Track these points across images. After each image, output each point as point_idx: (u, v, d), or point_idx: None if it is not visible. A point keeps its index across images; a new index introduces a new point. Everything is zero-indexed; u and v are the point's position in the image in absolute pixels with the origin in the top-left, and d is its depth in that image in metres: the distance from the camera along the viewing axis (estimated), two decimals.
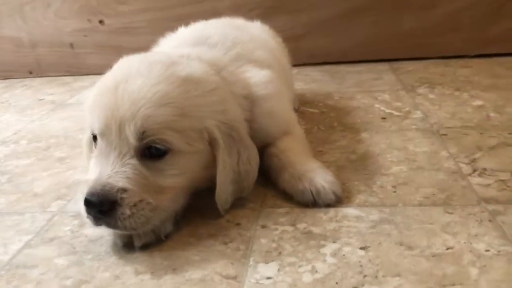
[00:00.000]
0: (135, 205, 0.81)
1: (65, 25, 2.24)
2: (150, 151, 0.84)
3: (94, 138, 0.90)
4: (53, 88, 2.10)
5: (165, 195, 0.86)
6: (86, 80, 2.20)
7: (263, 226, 0.90)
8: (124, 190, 0.81)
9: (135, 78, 0.86)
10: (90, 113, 0.89)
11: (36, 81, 2.24)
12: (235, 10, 2.10)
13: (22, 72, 2.34)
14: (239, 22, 1.40)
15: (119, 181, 0.81)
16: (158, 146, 0.84)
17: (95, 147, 0.90)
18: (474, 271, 0.73)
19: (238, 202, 0.96)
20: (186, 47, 1.06)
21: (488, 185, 0.98)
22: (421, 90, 1.66)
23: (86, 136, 0.99)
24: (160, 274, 0.79)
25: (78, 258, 0.85)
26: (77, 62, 2.30)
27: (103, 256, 0.85)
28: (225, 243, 0.86)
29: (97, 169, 0.85)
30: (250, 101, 1.00)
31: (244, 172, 0.93)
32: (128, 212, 0.80)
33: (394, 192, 0.98)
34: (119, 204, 0.80)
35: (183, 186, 0.89)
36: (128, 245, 0.86)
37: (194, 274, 0.78)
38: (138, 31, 2.20)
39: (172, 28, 2.13)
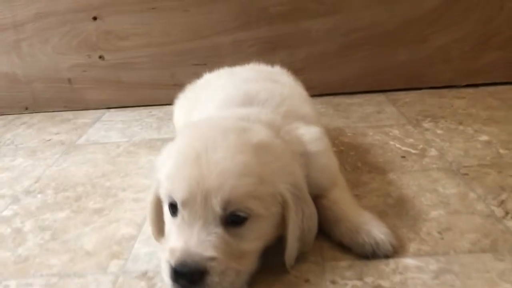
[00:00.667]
0: (222, 272, 0.84)
1: (63, 61, 2.21)
2: (231, 219, 0.88)
3: (171, 206, 0.93)
4: (57, 127, 2.07)
5: (246, 259, 0.90)
6: (86, 115, 2.18)
7: (333, 282, 0.95)
8: (212, 259, 0.84)
9: (215, 148, 0.89)
10: (170, 182, 0.91)
11: (35, 118, 2.21)
12: (235, 46, 2.17)
13: (17, 108, 2.29)
14: (266, 69, 1.45)
15: (207, 251, 0.84)
16: (240, 214, 0.88)
17: (171, 215, 0.93)
18: None
19: (299, 255, 1.01)
20: (236, 107, 1.09)
21: None
22: (426, 125, 1.76)
23: (151, 198, 1.01)
24: None
25: None
26: (75, 97, 2.28)
27: None
28: None
29: (180, 238, 0.87)
30: (305, 157, 1.05)
31: (307, 228, 0.98)
32: (217, 279, 0.84)
33: (442, 239, 1.06)
34: (208, 273, 0.83)
35: (260, 249, 0.93)
36: None
37: None
38: (139, 66, 2.21)
39: (174, 65, 2.17)
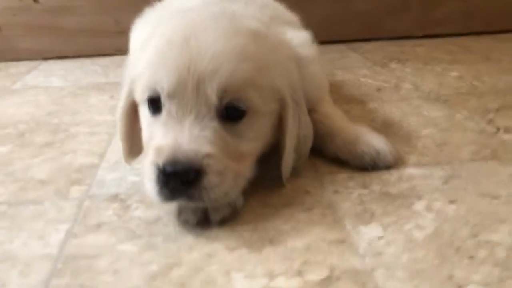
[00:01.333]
0: (220, 172, 0.71)
1: None
2: (227, 113, 0.75)
3: (152, 101, 0.78)
4: None
5: (244, 162, 0.77)
6: (21, 66, 1.94)
7: (335, 192, 0.85)
8: (209, 156, 0.70)
9: (206, 31, 0.75)
10: (152, 71, 0.76)
11: None
12: None
13: None
14: None
15: (202, 147, 0.70)
16: (239, 105, 0.75)
17: (151, 114, 0.78)
18: None
19: (294, 170, 0.89)
20: (219, 3, 0.95)
21: None
22: (393, 66, 1.71)
23: (122, 105, 0.86)
24: (258, 247, 0.70)
25: (147, 241, 0.73)
26: (4, 45, 2.01)
27: (177, 237, 0.74)
28: (307, 210, 0.79)
29: (168, 136, 0.73)
30: (295, 63, 0.94)
31: (303, 138, 0.87)
32: (215, 180, 0.70)
33: (441, 151, 0.99)
34: (205, 171, 0.69)
35: (258, 152, 0.80)
36: (201, 222, 0.76)
37: (296, 243, 0.71)
38: (79, 11, 1.99)
39: (119, 9, 1.97)
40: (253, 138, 0.78)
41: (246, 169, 0.78)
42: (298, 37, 0.96)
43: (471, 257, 0.66)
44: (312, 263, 0.66)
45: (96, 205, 0.84)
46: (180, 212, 0.77)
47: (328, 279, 0.63)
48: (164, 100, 0.75)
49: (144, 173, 0.74)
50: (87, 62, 1.96)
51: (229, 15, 0.81)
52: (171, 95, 0.73)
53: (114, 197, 0.87)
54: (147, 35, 0.86)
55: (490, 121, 1.14)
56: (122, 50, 2.01)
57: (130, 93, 0.84)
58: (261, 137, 0.79)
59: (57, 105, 1.41)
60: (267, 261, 0.67)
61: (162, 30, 0.80)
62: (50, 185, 0.92)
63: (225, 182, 0.71)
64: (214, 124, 0.73)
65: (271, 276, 0.64)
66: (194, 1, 0.98)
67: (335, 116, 0.99)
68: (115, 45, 2.03)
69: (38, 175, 0.97)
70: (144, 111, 0.82)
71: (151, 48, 0.79)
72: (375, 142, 0.92)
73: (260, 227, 0.75)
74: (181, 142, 0.71)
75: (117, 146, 1.06)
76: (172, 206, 0.79)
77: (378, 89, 1.43)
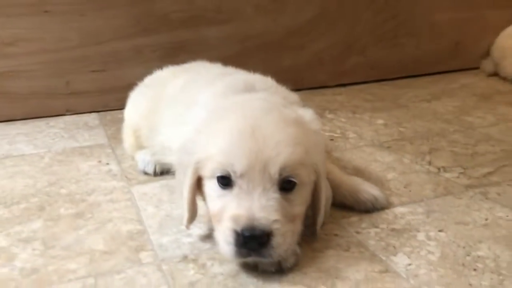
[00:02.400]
0: (283, 234, 0.93)
1: None
2: (284, 185, 0.97)
3: (222, 179, 0.98)
4: None
5: (296, 221, 0.99)
6: None
7: (357, 232, 1.12)
8: (276, 221, 0.92)
9: (266, 124, 0.98)
10: (226, 156, 0.96)
11: None
12: (136, 52, 2.16)
13: None
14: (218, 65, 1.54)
15: (271, 214, 0.92)
16: (292, 179, 0.97)
17: (221, 188, 0.98)
18: None
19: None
20: (240, 94, 1.17)
21: (457, 177, 1.40)
22: (329, 116, 2.05)
23: (190, 183, 1.03)
24: (331, 283, 0.93)
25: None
26: None
27: (265, 284, 0.94)
28: (347, 250, 1.05)
29: (241, 206, 0.93)
30: None
31: (328, 199, 1.12)
32: (280, 240, 0.92)
33: (410, 191, 1.31)
34: (273, 234, 0.91)
35: (304, 213, 1.03)
36: (277, 270, 0.97)
37: (356, 276, 0.95)
38: (29, 75, 2.02)
39: (72, 70, 2.04)
40: (301, 203, 1.01)
41: (298, 227, 1.00)
42: (307, 114, 1.20)
43: (475, 269, 0.97)
44: None
45: (175, 267, 1.00)
46: (257, 265, 0.97)
47: None
48: (235, 178, 0.96)
49: (220, 237, 0.95)
50: (41, 125, 1.99)
51: (276, 107, 1.05)
52: (243, 175, 0.95)
53: (185, 258, 1.03)
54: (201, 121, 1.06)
55: (429, 163, 1.50)
56: (72, 110, 2.10)
57: (196, 171, 1.02)
58: (305, 202, 1.03)
59: (50, 174, 1.48)
60: None
61: (230, 122, 1.00)
62: (116, 254, 1.05)
63: (286, 241, 0.94)
64: (276, 195, 0.95)
65: None
66: (202, 73, 1.20)
67: (336, 172, 1.26)
68: (67, 105, 2.10)
69: (97, 247, 1.08)
70: (212, 185, 1.01)
71: (222, 137, 0.98)
72: (372, 191, 1.21)
73: (322, 268, 0.98)
74: (254, 211, 0.92)
75: (150, 211, 1.22)
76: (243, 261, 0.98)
77: (331, 139, 1.74)
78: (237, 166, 0.95)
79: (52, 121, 2.04)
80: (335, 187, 1.21)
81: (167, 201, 1.29)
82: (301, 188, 1.00)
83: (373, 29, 2.57)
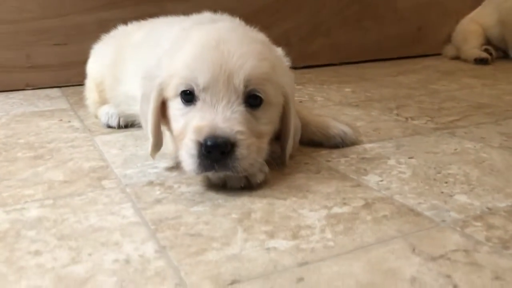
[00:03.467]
0: (248, 146, 0.89)
1: None
2: (249, 101, 0.94)
3: (185, 94, 0.94)
4: None
5: (262, 139, 0.96)
6: None
7: (327, 161, 1.10)
8: (240, 132, 0.89)
9: (230, 39, 0.95)
10: (189, 70, 0.93)
11: None
12: (101, 26, 2.10)
13: None
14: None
15: (235, 125, 0.89)
16: (258, 94, 0.95)
17: (184, 104, 0.95)
18: None
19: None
20: (209, 23, 1.15)
21: (425, 123, 1.41)
22: (298, 87, 2.04)
23: (153, 106, 0.99)
24: (303, 195, 0.91)
25: (212, 203, 0.88)
26: None
27: (235, 198, 0.90)
28: (317, 173, 1.02)
29: (205, 118, 0.90)
30: None
31: (296, 129, 1.09)
32: (245, 152, 0.88)
33: (379, 133, 1.31)
34: (237, 145, 0.88)
35: (271, 134, 1.01)
36: (245, 187, 0.93)
37: (327, 189, 0.93)
38: None
39: (32, 43, 1.98)
40: (268, 122, 0.98)
41: (265, 145, 0.97)
42: (278, 50, 1.19)
43: (446, 182, 0.96)
44: (348, 198, 0.89)
45: (140, 189, 0.95)
46: (225, 182, 0.93)
47: (367, 204, 0.86)
48: (198, 93, 0.93)
49: (184, 151, 0.91)
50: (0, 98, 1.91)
51: (242, 27, 1.03)
52: (206, 88, 0.92)
53: (151, 183, 0.99)
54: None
55: (397, 115, 1.51)
56: (32, 84, 2.03)
57: (160, 93, 0.99)
58: (273, 122, 1.00)
59: (8, 130, 1.41)
60: (316, 202, 0.88)
61: (194, 38, 0.98)
62: (77, 183, 0.99)
63: (251, 154, 0.90)
64: (241, 108, 0.92)
65: (328, 208, 0.85)
66: (186, 23, 1.17)
67: (304, 111, 1.24)
68: (25, 80, 2.03)
69: (56, 178, 1.02)
70: (176, 105, 0.97)
71: (187, 51, 0.96)
72: (341, 126, 1.20)
73: (292, 185, 0.96)
74: (217, 122, 0.89)
75: (114, 152, 1.17)
76: (211, 182, 0.95)
77: (300, 101, 1.73)
78: (200, 79, 0.92)
79: (12, 93, 1.97)
80: (304, 125, 1.19)
81: (132, 145, 1.25)
82: (268, 106, 0.98)
83: (338, 12, 2.61)
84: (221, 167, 0.88)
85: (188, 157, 0.89)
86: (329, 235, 0.76)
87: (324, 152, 1.15)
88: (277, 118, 1.02)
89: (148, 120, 1.01)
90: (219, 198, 0.90)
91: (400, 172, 1.02)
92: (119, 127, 1.39)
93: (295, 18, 2.50)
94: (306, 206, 0.86)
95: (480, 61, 2.54)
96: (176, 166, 1.02)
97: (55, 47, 2.05)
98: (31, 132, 1.38)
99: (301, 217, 0.82)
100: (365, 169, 1.04)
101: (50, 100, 1.84)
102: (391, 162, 1.08)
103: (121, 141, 1.28)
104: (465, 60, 2.64)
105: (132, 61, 1.31)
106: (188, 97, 0.94)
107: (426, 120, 1.43)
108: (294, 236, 0.75)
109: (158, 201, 0.90)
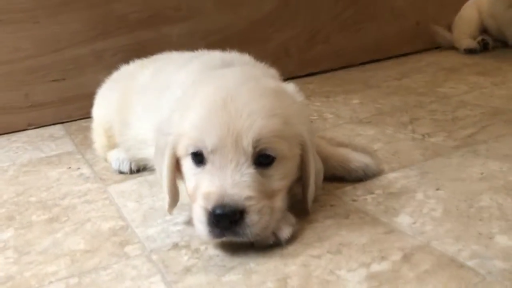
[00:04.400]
0: (259, 210, 0.86)
1: None
2: (260, 160, 0.90)
3: (195, 156, 0.91)
4: None
5: (276, 197, 0.92)
6: None
7: (353, 200, 1.06)
8: (249, 198, 0.85)
9: (239, 95, 0.91)
10: (198, 132, 0.90)
11: None
12: (98, 57, 2.07)
13: None
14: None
15: (244, 190, 0.86)
16: (269, 153, 0.90)
17: (195, 164, 0.92)
18: None
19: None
20: (220, 68, 1.11)
21: (443, 140, 1.37)
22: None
23: (168, 163, 0.96)
24: (337, 250, 0.87)
25: (244, 269, 0.85)
26: None
27: (266, 260, 0.87)
28: (347, 217, 0.99)
29: (214, 183, 0.87)
30: None
31: (318, 171, 1.05)
32: (256, 218, 0.85)
33: (399, 158, 1.27)
34: (247, 212, 0.85)
35: (287, 188, 0.96)
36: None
37: (361, 240, 0.90)
38: None
39: (29, 81, 1.94)
40: (282, 178, 0.93)
41: (279, 203, 0.92)
42: (290, 86, 1.14)
43: (481, 219, 0.92)
44: (385, 250, 0.86)
45: (166, 255, 0.92)
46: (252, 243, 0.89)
47: (406, 257, 0.83)
48: (207, 155, 0.89)
49: (194, 216, 0.89)
50: (1, 141, 1.87)
51: (253, 78, 0.99)
52: (215, 150, 0.88)
53: (176, 246, 0.95)
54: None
55: (413, 131, 1.47)
56: (34, 123, 1.98)
57: (173, 151, 0.95)
58: (288, 175, 0.95)
59: (17, 185, 1.37)
60: (353, 258, 0.84)
61: (202, 96, 0.94)
62: (99, 252, 0.96)
63: (263, 218, 0.86)
64: (251, 170, 0.88)
65: (366, 265, 0.82)
66: (197, 67, 1.13)
67: (321, 143, 1.20)
68: (27, 120, 1.99)
69: (77, 246, 0.99)
70: (188, 164, 0.94)
71: (195, 112, 0.92)
72: (362, 158, 1.17)
73: (323, 237, 0.92)
74: (226, 187, 0.86)
75: (131, 207, 1.14)
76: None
77: (310, 121, 1.69)
78: (208, 142, 0.89)
79: (14, 136, 1.92)
80: (323, 160, 1.15)
81: (149, 195, 1.21)
82: (282, 162, 0.93)
83: (334, 16, 2.56)
84: (231, 235, 0.86)
85: (198, 223, 0.88)
86: None
87: (347, 188, 1.12)
88: (294, 170, 0.97)
89: (163, 176, 0.98)
90: (250, 261, 0.87)
91: (431, 209, 0.98)
92: (131, 172, 1.35)
93: (292, 27, 2.46)
94: (343, 265, 0.82)
95: (469, 51, 2.54)
96: None
97: (53, 83, 2.01)
98: (41, 186, 1.35)
99: (340, 281, 0.79)
100: (394, 208, 1.00)
101: (55, 141, 1.80)
102: (419, 196, 1.04)
103: (135, 190, 1.25)
104: (457, 49, 2.62)
105: (139, 105, 1.27)
106: (198, 158, 0.92)
107: (444, 136, 1.40)
108: None
109: (188, 269, 0.87)
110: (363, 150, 1.29)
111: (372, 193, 1.09)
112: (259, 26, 2.37)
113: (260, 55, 2.31)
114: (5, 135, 1.94)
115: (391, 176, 1.16)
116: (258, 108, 0.90)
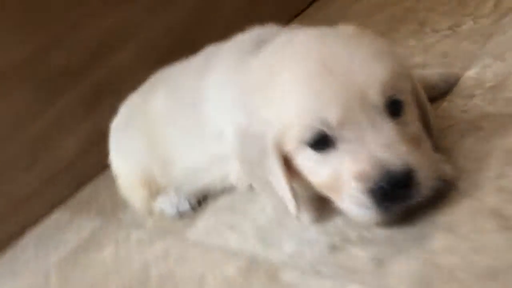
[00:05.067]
0: (422, 163, 0.72)
1: None
2: (391, 108, 0.75)
3: (316, 143, 0.75)
4: None
5: (422, 142, 0.78)
6: None
7: (463, 111, 0.94)
8: (407, 153, 0.71)
9: (332, 48, 0.76)
10: (307, 113, 0.73)
11: None
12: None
13: None
14: None
15: (398, 149, 0.71)
16: (398, 98, 0.76)
17: (318, 152, 0.76)
18: None
19: None
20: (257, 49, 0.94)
21: (474, 23, 1.28)
22: None
23: (279, 169, 0.79)
24: None
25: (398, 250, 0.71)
26: None
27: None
28: (479, 127, 0.87)
29: (359, 159, 0.72)
30: None
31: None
32: (425, 172, 0.71)
33: (455, 56, 1.17)
34: (413, 170, 0.70)
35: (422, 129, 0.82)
36: None
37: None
38: None
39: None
40: (416, 119, 0.80)
41: (428, 147, 0.79)
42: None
43: None
44: None
45: (340, 261, 0.76)
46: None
47: None
48: (333, 132, 0.73)
49: (351, 205, 0.73)
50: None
51: (327, 31, 0.83)
52: (341, 123, 0.72)
53: (334, 247, 0.80)
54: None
55: (435, 31, 1.37)
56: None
57: (279, 149, 0.79)
58: (418, 115, 0.81)
59: None
60: None
61: (288, 71, 0.77)
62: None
63: (430, 168, 0.73)
64: (390, 124, 0.73)
65: None
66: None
67: None
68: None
69: None
70: (306, 156, 0.78)
71: (288, 92, 0.76)
72: (430, 71, 1.05)
73: (480, 155, 0.80)
74: (378, 156, 0.70)
75: (233, 241, 0.96)
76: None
77: None
78: (329, 117, 0.72)
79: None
80: None
81: (238, 219, 1.03)
82: (409, 103, 0.79)
83: None
84: (405, 201, 0.72)
85: (362, 210, 0.72)
86: None
87: (444, 105, 1.00)
88: (416, 108, 0.83)
89: (280, 185, 0.81)
90: (435, 219, 0.73)
91: None
92: (193, 208, 1.16)
93: None
94: None
95: None
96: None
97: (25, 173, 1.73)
98: (105, 273, 1.13)
99: None
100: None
101: (68, 225, 1.56)
102: None
103: (220, 221, 1.06)
104: None
105: (173, 133, 1.09)
106: (321, 143, 0.75)
107: (470, 20, 1.30)
108: None
109: (380, 261, 0.71)
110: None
111: (473, 96, 0.97)
112: None
113: None
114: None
115: (472, 73, 1.05)
116: (365, 52, 0.75)
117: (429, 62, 1.20)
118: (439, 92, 1.03)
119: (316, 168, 0.78)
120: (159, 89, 1.15)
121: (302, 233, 0.86)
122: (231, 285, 0.85)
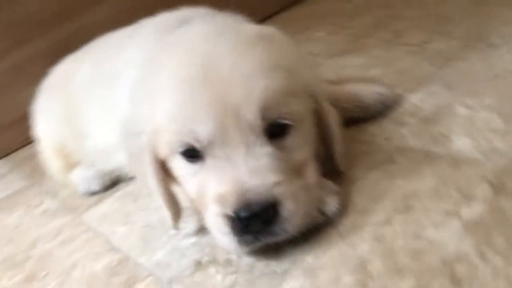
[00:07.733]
0: (294, 195, 0.64)
1: None
2: (272, 131, 0.67)
3: (187, 153, 0.68)
4: None
5: (306, 171, 0.70)
6: None
7: (387, 138, 0.87)
8: (277, 183, 0.63)
9: (219, 54, 0.67)
10: (180, 124, 0.66)
11: None
12: (16, 70, 1.75)
13: None
14: None
15: (268, 176, 0.63)
16: (283, 120, 0.67)
17: (189, 163, 0.70)
18: None
19: None
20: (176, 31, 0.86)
21: (446, 42, 1.19)
22: None
23: (152, 172, 0.73)
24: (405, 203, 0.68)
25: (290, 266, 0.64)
26: None
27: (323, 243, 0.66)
28: (393, 163, 0.79)
29: (225, 179, 0.64)
30: None
31: (336, 121, 0.83)
32: (293, 206, 0.63)
33: (408, 76, 1.08)
34: (280, 202, 0.63)
35: (313, 155, 0.74)
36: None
37: (424, 183, 0.70)
38: None
39: None
40: (305, 145, 0.71)
41: (311, 175, 0.71)
42: (272, 30, 0.91)
43: None
44: (465, 186, 0.67)
45: (192, 282, 0.70)
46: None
47: (495, 185, 0.64)
48: (203, 148, 0.66)
49: (212, 227, 0.67)
50: None
51: (228, 27, 0.74)
52: (211, 141, 0.65)
53: (199, 265, 0.73)
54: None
55: (405, 44, 1.28)
56: None
57: (154, 152, 0.72)
58: (311, 140, 0.73)
59: None
60: (431, 210, 0.65)
61: (170, 71, 0.69)
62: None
63: (300, 203, 0.65)
64: (267, 148, 0.65)
65: (455, 214, 0.63)
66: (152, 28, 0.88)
67: (324, 85, 0.99)
68: None
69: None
70: (178, 163, 0.71)
71: (166, 96, 0.68)
72: (373, 88, 0.97)
73: (378, 195, 0.72)
74: (243, 180, 0.63)
75: (122, 231, 0.91)
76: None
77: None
78: (199, 132, 0.65)
79: None
80: (332, 104, 0.94)
81: (136, 210, 0.97)
82: (299, 125, 0.70)
83: None
84: (268, 236, 0.64)
85: (221, 236, 0.65)
86: None
87: (372, 127, 0.92)
88: (313, 130, 0.74)
89: (152, 188, 0.74)
90: (305, 256, 0.66)
91: (485, 121, 0.80)
92: (105, 188, 1.10)
93: None
94: (425, 223, 0.63)
95: None
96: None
97: None
98: (2, 238, 1.08)
99: (434, 244, 0.59)
100: (442, 134, 0.82)
101: (1, 179, 1.51)
102: (461, 110, 0.86)
103: (119, 209, 1.01)
104: None
105: (90, 108, 1.02)
106: (191, 153, 0.68)
107: (443, 38, 1.20)
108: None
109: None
110: (366, 80, 1.09)
111: (403, 123, 0.89)
112: None
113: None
114: None
115: (414, 98, 0.97)
116: (252, 64, 0.66)
117: (384, 77, 1.12)
118: (373, 112, 0.95)
119: (186, 177, 0.72)
120: (86, 61, 1.08)
121: (178, 242, 0.80)
122: (92, 282, 0.79)
